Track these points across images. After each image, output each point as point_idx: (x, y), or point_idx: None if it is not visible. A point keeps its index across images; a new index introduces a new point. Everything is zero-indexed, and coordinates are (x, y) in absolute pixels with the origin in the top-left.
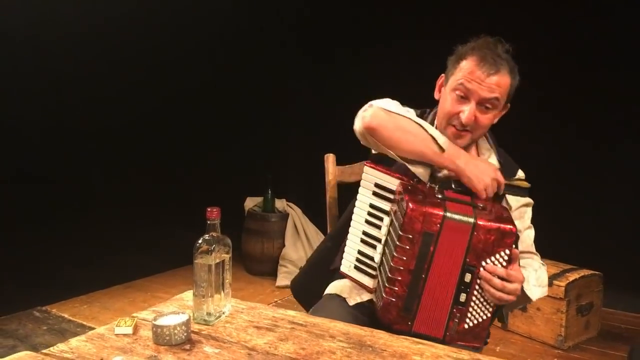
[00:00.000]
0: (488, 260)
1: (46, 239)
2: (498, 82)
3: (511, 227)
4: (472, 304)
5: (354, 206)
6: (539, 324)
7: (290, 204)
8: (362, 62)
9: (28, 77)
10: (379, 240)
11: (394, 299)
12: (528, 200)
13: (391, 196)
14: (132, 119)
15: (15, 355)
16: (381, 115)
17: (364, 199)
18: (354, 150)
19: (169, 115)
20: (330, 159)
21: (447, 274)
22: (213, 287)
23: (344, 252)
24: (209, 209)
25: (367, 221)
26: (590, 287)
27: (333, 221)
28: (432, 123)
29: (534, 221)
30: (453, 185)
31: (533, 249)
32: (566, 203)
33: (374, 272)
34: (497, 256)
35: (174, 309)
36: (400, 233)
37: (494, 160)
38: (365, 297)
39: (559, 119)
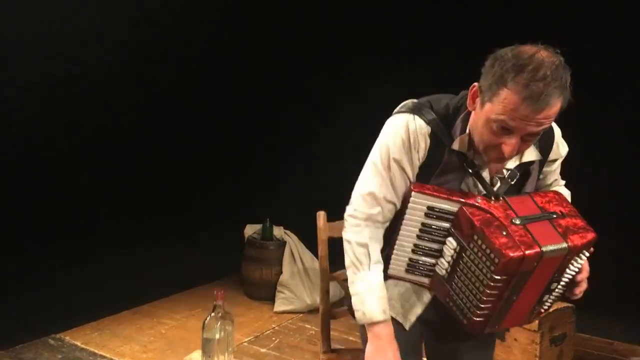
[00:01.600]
0: (571, 266)
1: (53, 265)
2: (547, 115)
3: (594, 234)
4: (552, 296)
5: (400, 224)
6: (516, 353)
7: (288, 231)
8: (357, 93)
9: (22, 96)
10: (433, 250)
11: (483, 319)
12: (555, 153)
13: (448, 216)
14: (133, 147)
15: None
16: (347, 254)
17: (415, 218)
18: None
19: (173, 143)
20: (321, 217)
21: (535, 290)
22: (218, 354)
23: (389, 260)
24: (216, 292)
25: (418, 236)
26: (563, 319)
27: (325, 274)
28: (462, 130)
29: None
30: (509, 180)
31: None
32: None
33: (429, 273)
34: (579, 260)
35: None
36: (495, 276)
37: (532, 154)
38: (419, 309)
39: None
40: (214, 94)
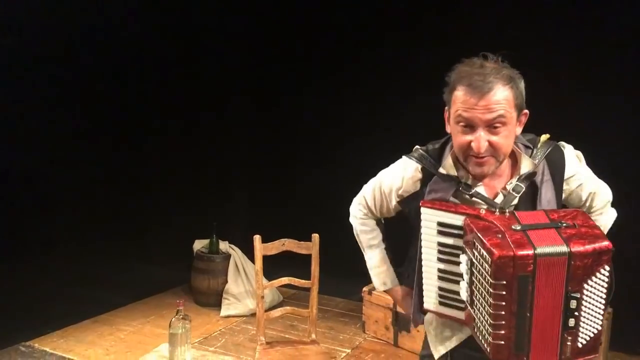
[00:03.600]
0: (589, 282)
1: (13, 278)
2: (496, 100)
3: (606, 243)
4: (582, 324)
5: (420, 246)
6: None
7: (232, 245)
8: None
9: None
10: (458, 274)
11: (503, 342)
12: (570, 170)
13: (459, 232)
14: (91, 160)
15: None
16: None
17: (430, 238)
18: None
19: (130, 159)
20: (257, 240)
21: (551, 306)
22: (180, 345)
23: (422, 290)
24: (178, 301)
25: (439, 259)
26: None
27: (260, 284)
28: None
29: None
30: (514, 192)
31: (600, 204)
32: None
33: (461, 305)
34: (598, 275)
35: (158, 358)
36: (492, 281)
37: (527, 165)
38: (452, 343)
39: None
40: (166, 112)
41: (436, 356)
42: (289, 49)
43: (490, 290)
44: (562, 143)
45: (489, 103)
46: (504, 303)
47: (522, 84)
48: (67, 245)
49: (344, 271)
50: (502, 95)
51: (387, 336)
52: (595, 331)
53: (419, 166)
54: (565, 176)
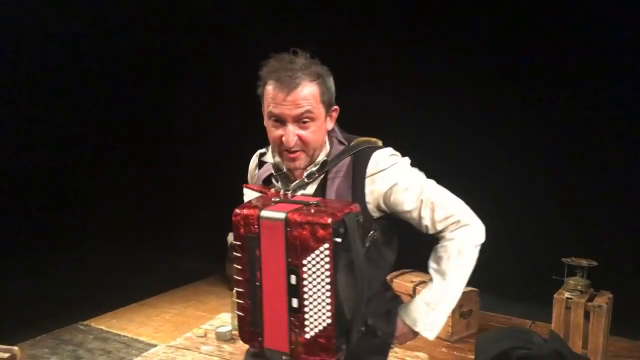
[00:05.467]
0: (309, 259)
1: (68, 267)
2: (303, 96)
3: (326, 219)
4: (307, 309)
5: None
6: None
7: None
8: None
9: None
10: None
11: (243, 314)
12: (373, 167)
13: None
14: (126, 154)
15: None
16: None
17: None
18: None
19: (166, 160)
20: None
21: (276, 278)
22: None
23: None
24: None
25: None
26: (469, 299)
27: None
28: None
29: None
30: (305, 178)
31: (441, 218)
32: None
33: None
34: (318, 252)
35: (221, 322)
36: (234, 242)
37: (322, 155)
38: None
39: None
40: (196, 107)
41: None
42: None
43: (234, 253)
44: (389, 148)
45: (296, 99)
46: (241, 267)
47: (330, 81)
48: (113, 240)
49: None
50: (308, 91)
51: None
52: (324, 324)
53: (257, 155)
54: (367, 173)
